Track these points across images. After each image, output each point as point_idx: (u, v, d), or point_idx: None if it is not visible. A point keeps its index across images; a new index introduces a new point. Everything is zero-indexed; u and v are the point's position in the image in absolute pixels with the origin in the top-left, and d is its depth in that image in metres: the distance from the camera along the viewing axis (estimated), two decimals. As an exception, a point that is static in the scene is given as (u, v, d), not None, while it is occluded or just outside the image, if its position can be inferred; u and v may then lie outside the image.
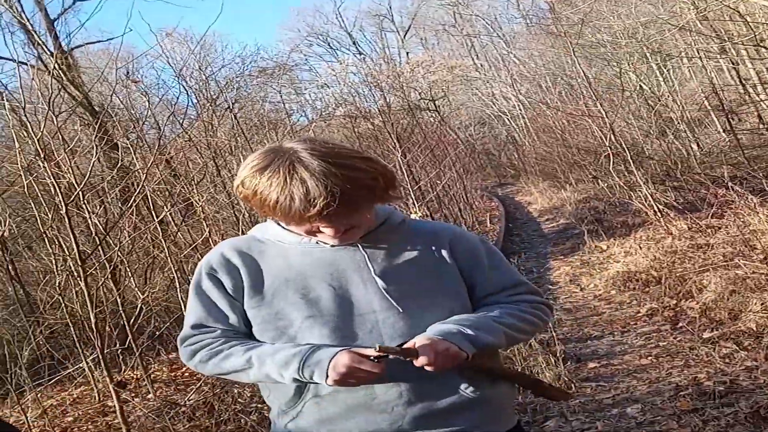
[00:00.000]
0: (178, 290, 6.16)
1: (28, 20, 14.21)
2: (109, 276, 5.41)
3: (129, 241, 6.72)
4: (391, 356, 1.51)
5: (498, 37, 38.55)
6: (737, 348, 4.39)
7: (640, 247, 8.23)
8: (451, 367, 1.54)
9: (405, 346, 1.53)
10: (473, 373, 1.63)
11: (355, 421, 1.60)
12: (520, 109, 29.34)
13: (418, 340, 1.52)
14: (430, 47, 45.38)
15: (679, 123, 15.55)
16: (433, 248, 1.74)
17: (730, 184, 7.74)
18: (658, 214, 8.98)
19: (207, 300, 1.69)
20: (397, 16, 47.72)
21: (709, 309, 5.27)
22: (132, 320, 5.56)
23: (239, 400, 4.84)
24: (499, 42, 37.56)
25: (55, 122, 5.44)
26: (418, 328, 1.59)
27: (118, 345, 5.95)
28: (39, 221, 6.01)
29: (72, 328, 5.58)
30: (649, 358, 4.77)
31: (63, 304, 5.54)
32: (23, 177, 5.22)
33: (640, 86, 16.32)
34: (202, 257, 1.76)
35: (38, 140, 4.55)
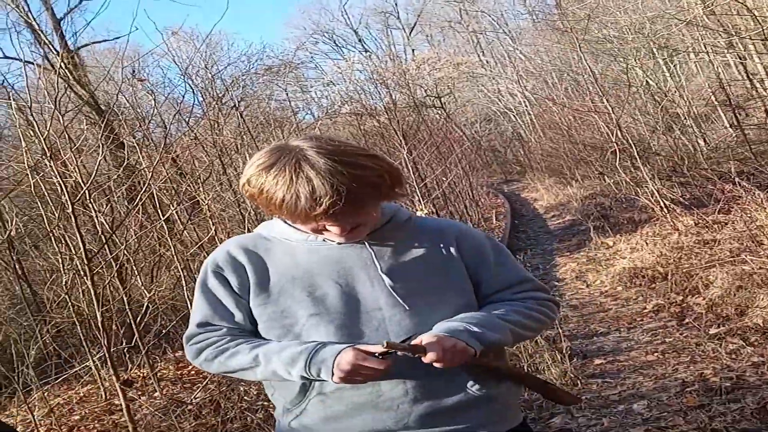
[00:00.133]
0: (185, 288, 6.17)
1: (35, 19, 14.28)
2: (116, 274, 5.43)
3: (135, 240, 6.73)
4: (398, 353, 1.51)
5: (504, 33, 38.54)
6: (744, 344, 4.37)
7: (647, 243, 8.20)
8: (460, 363, 1.54)
9: (411, 342, 1.53)
10: (480, 372, 1.62)
11: (360, 418, 1.60)
12: (526, 106, 29.30)
13: (425, 338, 1.52)
14: (436, 44, 45.29)
15: (685, 118, 15.49)
16: (440, 245, 1.73)
17: (737, 179, 7.72)
18: (665, 209, 8.95)
19: (213, 298, 1.69)
20: (403, 13, 47.71)
21: (716, 305, 5.26)
22: (138, 319, 5.58)
23: (245, 398, 4.85)
24: (505, 38, 37.54)
25: (62, 121, 5.45)
26: (424, 325, 1.59)
27: (124, 343, 5.97)
28: (46, 220, 6.02)
29: (78, 327, 5.60)
30: (656, 354, 4.76)
31: (70, 303, 5.56)
32: (30, 176, 5.22)
33: (647, 82, 16.23)
34: (208, 255, 1.76)
35: (45, 139, 4.56)
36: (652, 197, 9.34)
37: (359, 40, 46.63)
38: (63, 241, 5.92)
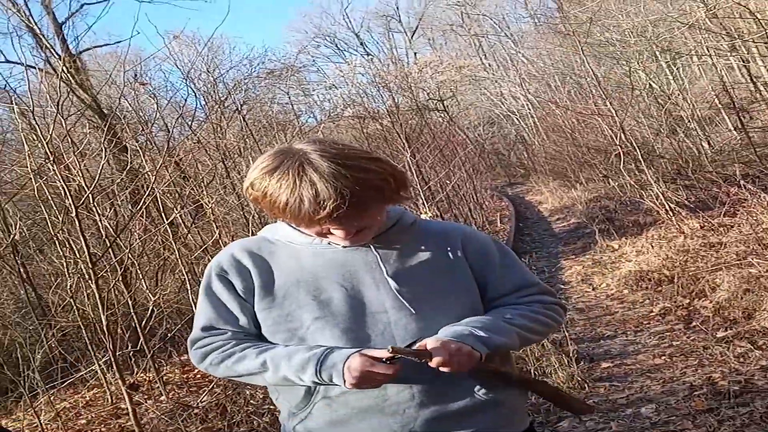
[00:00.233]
0: (189, 292, 6.16)
1: (36, 24, 14.34)
2: (120, 278, 5.42)
3: (139, 243, 6.72)
4: (406, 357, 1.49)
5: (506, 36, 38.56)
6: (752, 347, 4.35)
7: (652, 246, 8.18)
8: (466, 367, 1.52)
9: (416, 347, 1.52)
10: (486, 376, 1.61)
11: (366, 423, 1.59)
12: (529, 109, 29.27)
13: (429, 342, 1.50)
14: (438, 47, 45.36)
15: (689, 121, 15.46)
16: (445, 248, 1.72)
17: (742, 182, 7.70)
18: (670, 212, 8.92)
19: (217, 301, 1.67)
20: (405, 16, 47.74)
21: (723, 308, 5.24)
22: (143, 322, 5.57)
23: (252, 401, 4.84)
24: (507, 41, 37.55)
25: (64, 125, 5.46)
26: (430, 329, 1.57)
27: (130, 347, 5.96)
28: (50, 224, 6.02)
29: (84, 331, 5.59)
30: (663, 357, 4.74)
31: (75, 307, 5.54)
32: (33, 180, 5.22)
33: (650, 85, 16.21)
34: (212, 258, 1.75)
35: (48, 143, 4.56)
36: (657, 200, 9.30)
37: (361, 44, 46.73)
38: (67, 245, 5.90)
